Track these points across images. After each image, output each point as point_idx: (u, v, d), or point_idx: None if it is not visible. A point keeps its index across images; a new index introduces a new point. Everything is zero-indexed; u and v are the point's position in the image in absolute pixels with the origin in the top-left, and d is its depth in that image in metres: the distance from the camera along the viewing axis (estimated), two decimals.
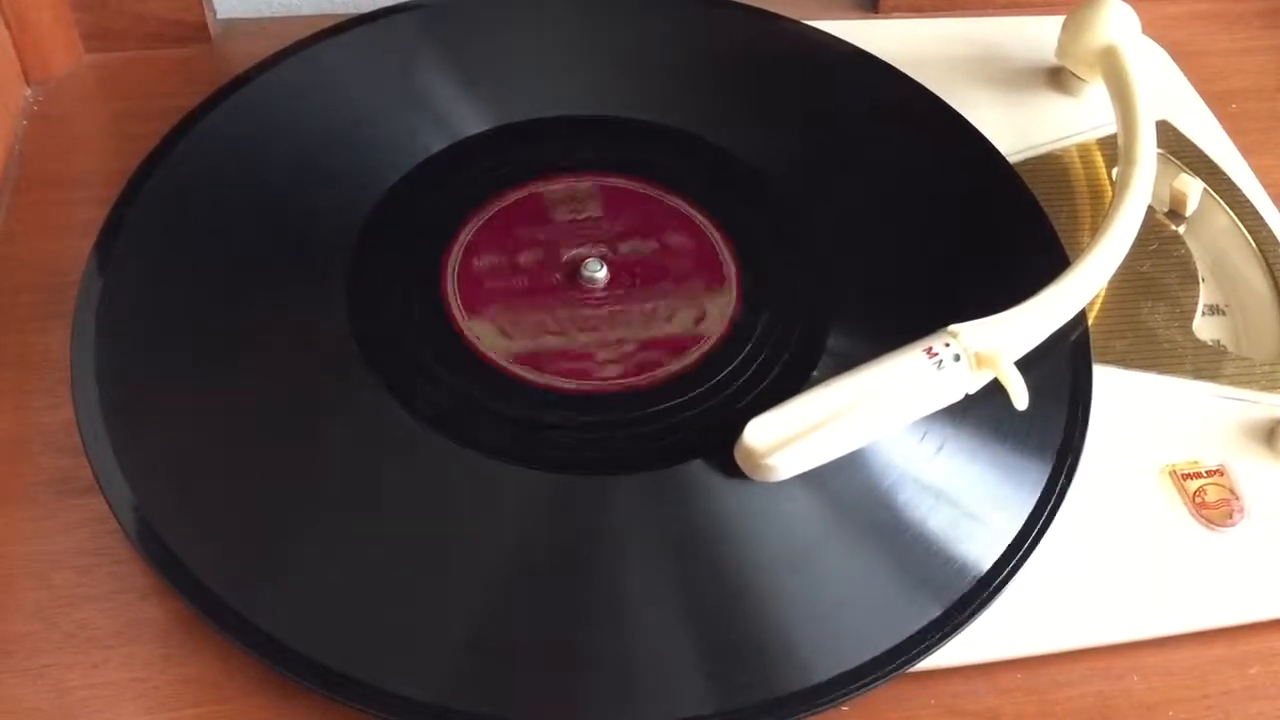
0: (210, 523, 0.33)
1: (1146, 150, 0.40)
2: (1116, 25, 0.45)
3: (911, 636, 0.32)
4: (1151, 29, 0.49)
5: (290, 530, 0.33)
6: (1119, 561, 0.35)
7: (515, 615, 0.32)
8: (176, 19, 0.48)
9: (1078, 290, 0.36)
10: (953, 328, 0.34)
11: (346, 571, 0.32)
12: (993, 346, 0.34)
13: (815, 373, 0.37)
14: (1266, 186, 0.45)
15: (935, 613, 0.33)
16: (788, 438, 0.33)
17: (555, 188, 0.41)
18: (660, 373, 0.36)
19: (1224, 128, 0.47)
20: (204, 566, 0.32)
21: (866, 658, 0.32)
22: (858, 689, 0.31)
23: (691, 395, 0.36)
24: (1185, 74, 0.49)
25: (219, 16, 0.50)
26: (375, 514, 0.33)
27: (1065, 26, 0.47)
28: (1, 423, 0.37)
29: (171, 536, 0.32)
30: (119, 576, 0.34)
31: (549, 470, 0.34)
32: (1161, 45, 0.50)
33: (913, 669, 0.32)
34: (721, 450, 0.34)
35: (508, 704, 0.31)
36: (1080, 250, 0.38)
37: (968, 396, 0.34)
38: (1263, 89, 0.51)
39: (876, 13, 0.53)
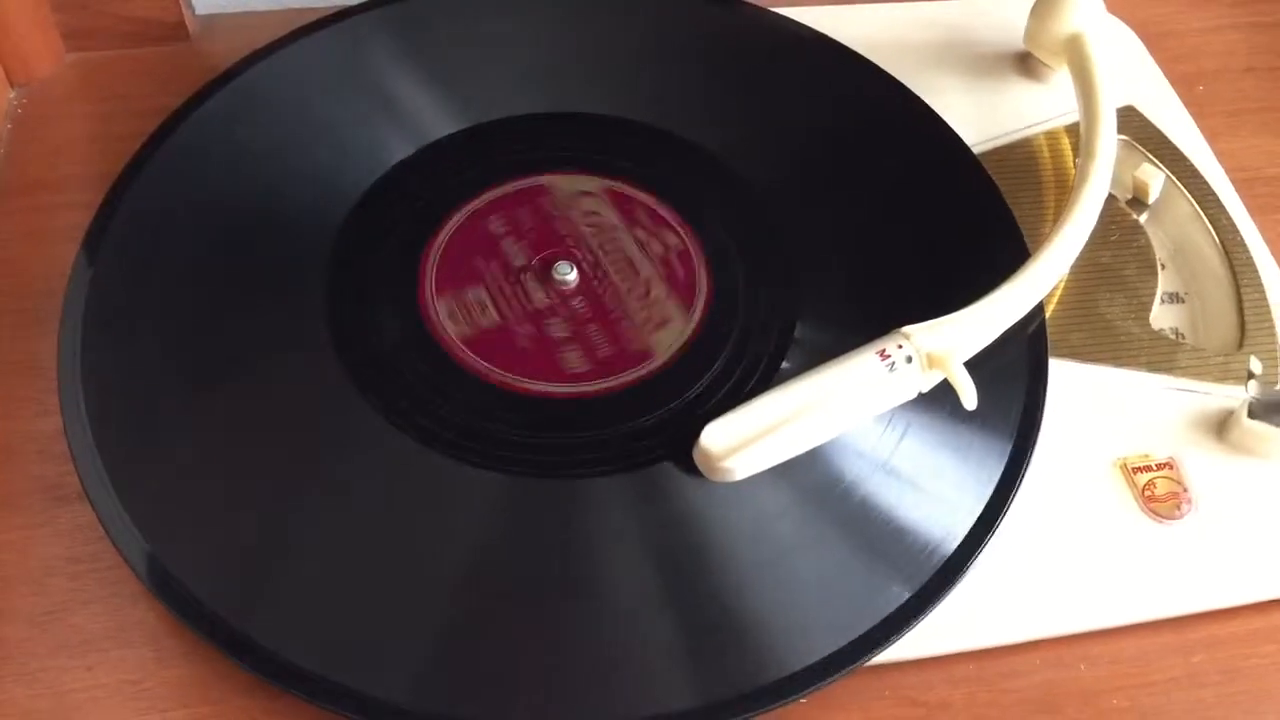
0: (196, 531, 0.34)
1: (1106, 144, 0.41)
2: (1082, 13, 0.45)
3: (879, 623, 0.33)
4: (1120, 7, 0.49)
5: (275, 536, 0.34)
6: (1069, 554, 0.36)
7: (488, 617, 0.33)
8: (154, 18, 0.48)
9: (1030, 289, 0.37)
10: (905, 329, 0.35)
11: (329, 576, 0.34)
12: (943, 347, 0.35)
13: (786, 363, 0.38)
14: (1230, 171, 0.45)
15: (904, 597, 0.34)
16: (744, 440, 0.34)
17: (528, 188, 0.42)
18: (629, 374, 0.37)
19: (1190, 111, 0.47)
20: (191, 575, 0.33)
21: (837, 645, 0.33)
22: (828, 677, 0.32)
23: (659, 396, 0.37)
24: (1153, 54, 0.49)
25: (199, 12, 0.50)
26: (356, 520, 0.35)
27: (1033, 12, 0.47)
28: None
29: (158, 545, 0.33)
30: (110, 581, 0.35)
31: (519, 474, 0.35)
32: (1130, 24, 0.50)
33: (870, 662, 0.33)
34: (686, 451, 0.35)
35: (482, 705, 0.32)
36: (1042, 240, 0.38)
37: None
38: (1230, 69, 0.51)
39: None
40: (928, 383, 0.35)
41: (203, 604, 0.33)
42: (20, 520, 0.36)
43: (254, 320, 0.38)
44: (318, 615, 0.33)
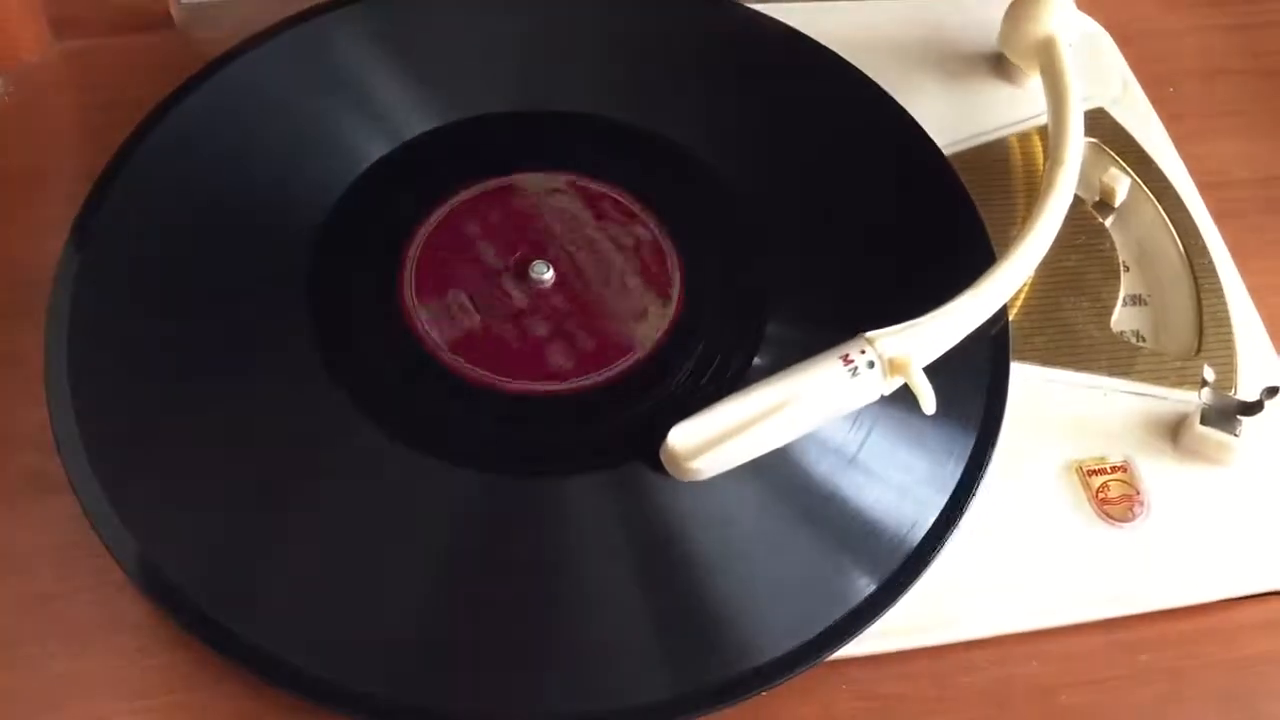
0: (179, 523, 0.35)
1: (1073, 151, 0.41)
2: (1055, 18, 0.45)
3: (846, 615, 0.35)
4: (1095, 6, 0.50)
5: (257, 530, 0.35)
6: (1024, 554, 0.37)
7: (463, 613, 0.34)
8: (141, 6, 0.49)
9: (990, 298, 0.37)
10: (869, 335, 0.36)
11: (311, 570, 0.35)
12: (904, 353, 0.35)
13: (758, 359, 0.39)
14: (1196, 175, 0.46)
15: (870, 590, 0.35)
16: (709, 441, 0.34)
17: (503, 186, 0.42)
18: (603, 374, 0.38)
19: (1160, 114, 0.48)
20: (174, 567, 0.34)
21: (805, 638, 0.34)
22: (796, 668, 0.34)
23: (631, 396, 0.38)
24: (1125, 54, 0.50)
25: (184, 0, 0.51)
26: (336, 515, 0.35)
27: (1006, 15, 0.47)
28: None
29: (141, 537, 0.34)
30: (96, 570, 0.36)
31: (492, 471, 0.36)
32: (1105, 24, 0.51)
33: (829, 658, 0.34)
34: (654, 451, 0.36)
35: (458, 698, 0.33)
36: (1009, 244, 0.39)
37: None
38: (1201, 71, 0.51)
39: None
40: (889, 387, 0.36)
41: (186, 595, 0.34)
42: (9, 508, 0.37)
43: (236, 317, 0.39)
44: (300, 608, 0.34)
